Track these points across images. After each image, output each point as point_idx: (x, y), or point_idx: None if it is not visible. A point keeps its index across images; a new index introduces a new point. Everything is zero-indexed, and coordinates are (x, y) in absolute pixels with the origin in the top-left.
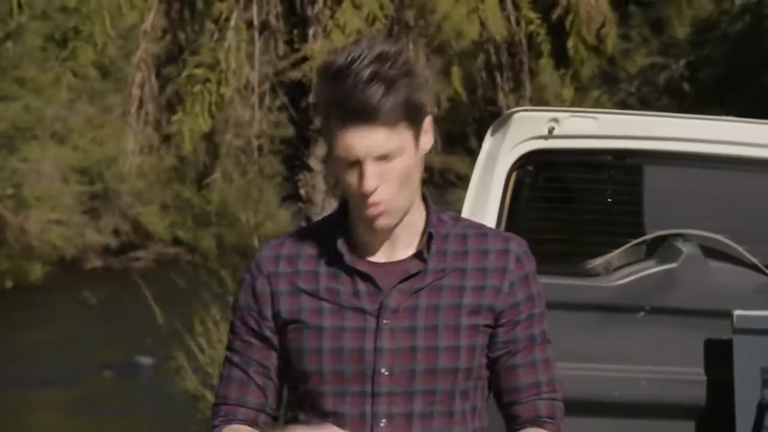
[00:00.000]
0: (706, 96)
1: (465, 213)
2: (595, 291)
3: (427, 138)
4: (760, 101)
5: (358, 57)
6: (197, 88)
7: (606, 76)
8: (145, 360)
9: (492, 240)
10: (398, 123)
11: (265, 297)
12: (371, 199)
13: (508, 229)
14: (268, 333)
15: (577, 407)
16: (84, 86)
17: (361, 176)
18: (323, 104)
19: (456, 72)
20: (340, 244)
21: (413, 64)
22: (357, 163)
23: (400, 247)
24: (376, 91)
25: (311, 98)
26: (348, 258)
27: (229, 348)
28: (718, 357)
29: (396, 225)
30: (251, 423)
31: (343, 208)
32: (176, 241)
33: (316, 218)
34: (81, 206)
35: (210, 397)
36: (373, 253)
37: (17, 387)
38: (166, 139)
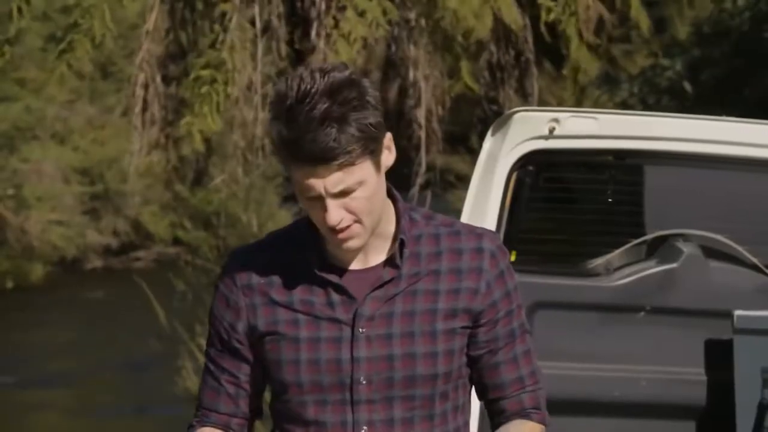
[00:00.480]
0: (707, 96)
1: (465, 213)
2: (595, 291)
3: (388, 154)
4: (761, 102)
5: (309, 93)
6: (204, 89)
7: (606, 76)
8: (147, 360)
9: (465, 238)
10: (355, 159)
11: (239, 310)
12: (338, 229)
13: (508, 229)
14: (236, 345)
15: (577, 407)
16: (84, 87)
17: (323, 209)
18: (277, 142)
19: (466, 66)
20: (311, 256)
21: (365, 88)
22: (318, 198)
23: (372, 253)
24: (329, 133)
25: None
26: (319, 269)
27: (206, 354)
28: (718, 357)
29: None
30: (223, 426)
31: None
32: (176, 242)
33: None
34: (82, 207)
35: None
36: (344, 262)
37: (18, 387)
38: (168, 138)
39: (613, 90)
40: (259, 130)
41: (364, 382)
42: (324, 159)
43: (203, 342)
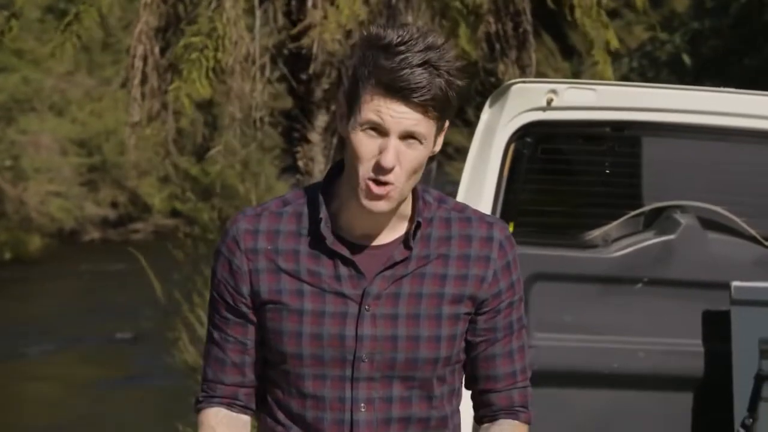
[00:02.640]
0: (706, 69)
1: (463, 185)
2: (593, 263)
3: (440, 140)
4: (761, 73)
5: (410, 40)
6: (194, 55)
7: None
8: (144, 332)
9: (476, 225)
10: (431, 112)
11: (243, 274)
12: (383, 178)
13: (506, 201)
14: (244, 309)
15: (576, 378)
16: (83, 58)
17: (381, 150)
18: (362, 70)
19: (464, 32)
20: (323, 226)
21: (458, 64)
22: (380, 136)
23: (385, 231)
24: (423, 76)
25: (312, 69)
26: (330, 241)
27: (210, 321)
28: (716, 328)
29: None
30: (230, 398)
31: (328, 182)
32: (174, 213)
33: None
34: (79, 178)
35: None
36: (355, 235)
37: (15, 359)
38: (165, 108)
39: (613, 64)
40: (257, 101)
41: (366, 360)
42: (412, 95)
43: (201, 313)
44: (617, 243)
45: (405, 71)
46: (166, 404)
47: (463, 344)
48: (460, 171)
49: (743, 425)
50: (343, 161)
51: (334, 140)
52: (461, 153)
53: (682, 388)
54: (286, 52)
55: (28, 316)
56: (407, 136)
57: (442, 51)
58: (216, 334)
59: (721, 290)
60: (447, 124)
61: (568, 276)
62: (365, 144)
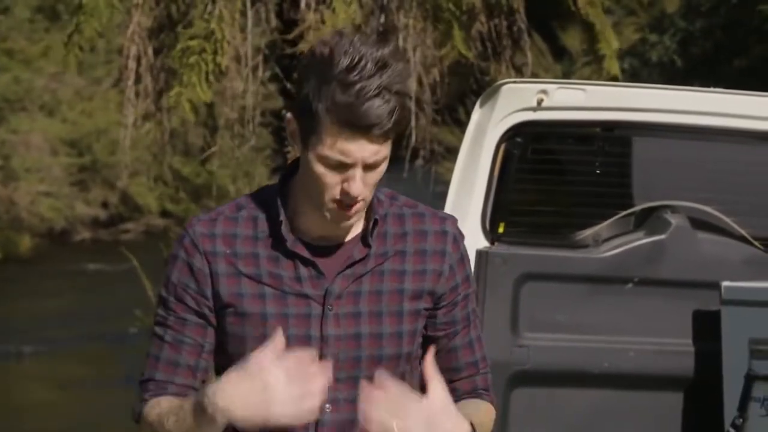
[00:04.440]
0: (696, 70)
1: (453, 185)
2: (583, 262)
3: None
4: (750, 73)
5: (360, 61)
6: (193, 59)
7: (595, 52)
8: (134, 332)
9: (429, 220)
10: (391, 137)
11: (204, 276)
12: (352, 203)
13: (497, 201)
14: (206, 311)
15: (566, 378)
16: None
17: (346, 180)
18: (317, 104)
19: (458, 34)
20: (283, 229)
21: (407, 69)
22: (343, 167)
23: (342, 230)
24: (382, 107)
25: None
26: (290, 243)
27: (160, 324)
28: (706, 328)
29: None
30: (180, 396)
31: (284, 184)
32: (164, 213)
33: None
34: (70, 178)
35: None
36: (313, 236)
37: (5, 359)
38: (159, 109)
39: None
40: (250, 102)
41: (331, 359)
42: (376, 127)
43: None
44: (608, 243)
45: (364, 106)
46: None
47: (420, 339)
48: (450, 171)
49: (733, 425)
50: (296, 162)
51: None
52: (452, 153)
53: (673, 388)
54: (278, 52)
55: (18, 316)
56: (369, 165)
57: (394, 65)
58: (169, 336)
59: (711, 290)
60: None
61: (559, 276)
62: (328, 176)
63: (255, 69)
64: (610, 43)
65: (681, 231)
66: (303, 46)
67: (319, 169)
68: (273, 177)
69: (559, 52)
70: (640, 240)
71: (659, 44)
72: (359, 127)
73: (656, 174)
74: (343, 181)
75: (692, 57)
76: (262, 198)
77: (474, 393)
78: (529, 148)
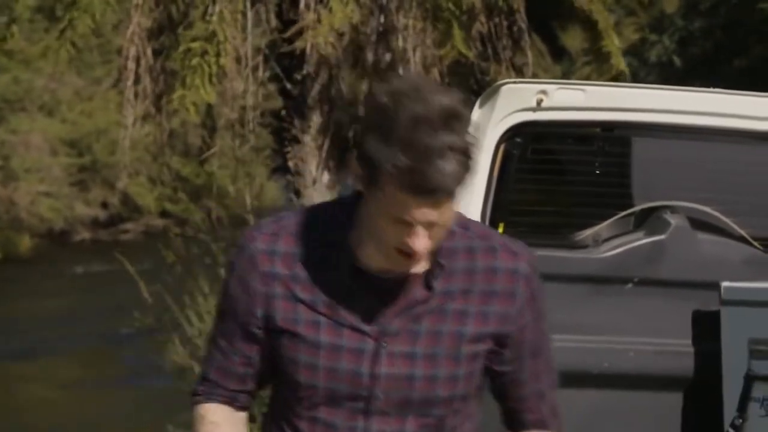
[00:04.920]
0: (696, 70)
1: None
2: (583, 263)
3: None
4: (750, 73)
5: (425, 116)
6: (195, 61)
7: (595, 52)
8: (133, 332)
9: (501, 256)
10: (458, 193)
11: (258, 296)
12: (414, 256)
13: (496, 201)
14: (254, 329)
15: (566, 378)
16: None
17: (409, 235)
18: (381, 163)
19: (458, 33)
20: (343, 257)
21: (468, 113)
22: (406, 224)
23: None
24: (448, 170)
25: (305, 70)
26: (352, 273)
27: (217, 328)
28: (705, 328)
29: None
30: (231, 399)
31: (351, 205)
32: (164, 214)
33: (306, 191)
34: (69, 178)
35: (198, 369)
36: (376, 268)
37: (4, 358)
38: (159, 109)
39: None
40: (250, 101)
41: (381, 397)
42: (442, 191)
43: (191, 314)
44: (607, 243)
45: (428, 171)
46: (155, 404)
47: (480, 368)
48: None
49: (733, 425)
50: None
51: (327, 142)
52: None
53: (672, 388)
54: (278, 52)
55: (18, 316)
56: (434, 223)
57: (460, 118)
58: (222, 343)
59: (711, 290)
60: None
61: (559, 276)
62: (390, 230)
63: (255, 69)
64: (614, 40)
65: (681, 231)
66: (300, 44)
67: (381, 222)
68: (273, 177)
69: (559, 53)
70: (640, 240)
71: (658, 44)
72: (422, 193)
73: (656, 174)
74: (406, 235)
75: (692, 57)
76: (329, 217)
77: (540, 424)
78: (529, 149)
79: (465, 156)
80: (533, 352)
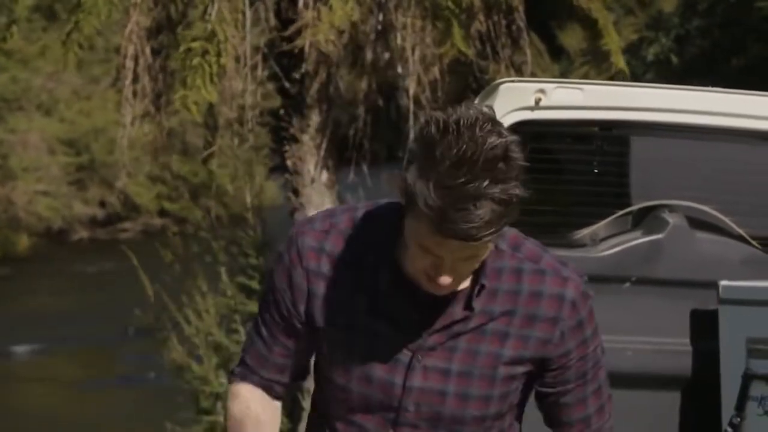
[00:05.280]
0: (694, 69)
1: None
2: (581, 262)
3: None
4: (748, 72)
5: (467, 160)
6: (196, 60)
7: (594, 51)
8: (132, 331)
9: (549, 280)
10: (494, 236)
11: (301, 291)
12: (439, 287)
13: None
14: (296, 322)
15: None
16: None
17: (435, 267)
18: (416, 189)
19: (458, 32)
20: (385, 262)
21: (517, 157)
22: (435, 255)
23: None
24: (480, 213)
25: (304, 68)
26: (395, 283)
27: (260, 314)
28: (704, 327)
29: None
30: (266, 387)
31: (401, 211)
32: (162, 213)
33: (304, 190)
34: (68, 177)
35: (195, 368)
36: (419, 284)
37: (2, 358)
38: (157, 108)
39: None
40: (249, 100)
41: (411, 409)
42: (470, 238)
43: (189, 313)
44: (605, 242)
45: (459, 219)
46: (154, 403)
47: (520, 388)
48: None
49: (731, 424)
50: None
51: (325, 141)
52: None
53: (670, 387)
54: (277, 51)
55: (16, 315)
56: (463, 259)
57: (505, 163)
58: (264, 331)
59: (709, 289)
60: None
61: None
62: (419, 256)
63: (254, 68)
64: (614, 38)
65: (679, 230)
66: (300, 43)
67: (412, 246)
68: (271, 176)
69: (557, 52)
70: (638, 239)
71: (656, 42)
72: (449, 237)
73: (654, 173)
74: (433, 266)
75: (690, 56)
76: (380, 221)
77: None
78: (527, 148)
79: (503, 205)
80: (579, 376)
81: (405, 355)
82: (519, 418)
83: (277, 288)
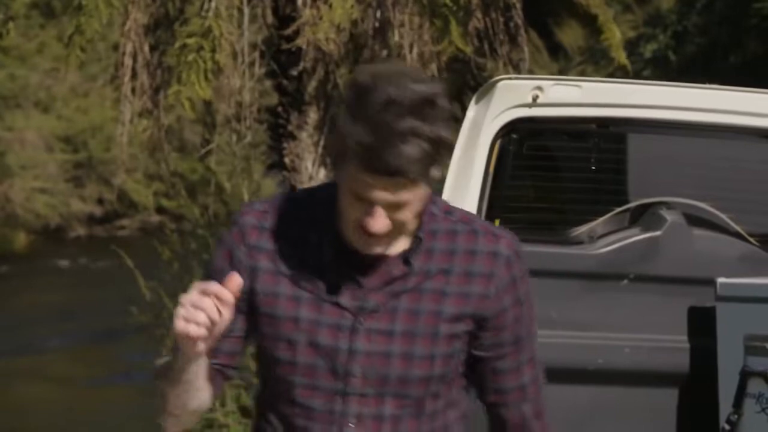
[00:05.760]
0: (692, 66)
1: (448, 182)
2: (578, 259)
3: (437, 171)
4: (746, 70)
5: (396, 102)
6: (191, 56)
7: (591, 49)
8: (129, 329)
9: (482, 239)
10: (421, 179)
11: (243, 269)
12: (373, 236)
13: (492, 197)
14: (238, 302)
15: (561, 375)
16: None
17: (368, 214)
18: (346, 139)
19: (455, 28)
20: (327, 235)
21: (445, 103)
22: (367, 202)
23: None
24: (408, 152)
25: (302, 66)
26: (333, 250)
27: None
28: (701, 324)
29: None
30: (222, 365)
31: (335, 191)
32: (160, 210)
33: (302, 187)
34: (65, 175)
35: None
36: (355, 243)
37: (0, 356)
38: (156, 105)
39: (598, 62)
40: (247, 97)
41: (358, 375)
42: (398, 173)
43: None
44: (603, 239)
45: (387, 153)
46: (151, 401)
47: (463, 357)
48: (445, 167)
49: (728, 421)
50: None
51: (323, 138)
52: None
53: (668, 384)
54: (274, 48)
55: (13, 313)
56: (395, 205)
57: (432, 107)
58: None
59: (707, 286)
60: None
61: (554, 272)
62: (351, 205)
63: (251, 65)
64: (616, 33)
65: (676, 227)
66: (301, 41)
67: (345, 198)
68: (269, 173)
69: (555, 49)
70: (636, 236)
71: (654, 40)
72: (378, 173)
73: (652, 170)
74: (366, 214)
75: (687, 53)
76: (318, 198)
77: (524, 426)
78: (525, 145)
79: (430, 144)
80: (514, 340)
81: (348, 320)
82: (468, 390)
83: (218, 270)
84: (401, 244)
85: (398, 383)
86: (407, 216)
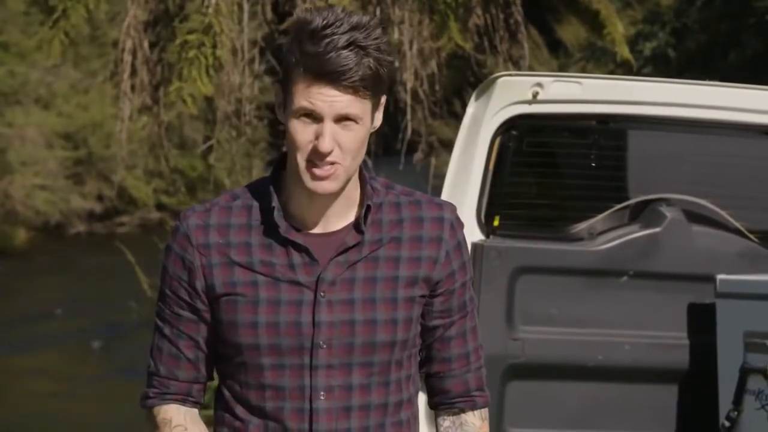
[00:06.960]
0: (691, 63)
1: (449, 178)
2: (578, 255)
3: (379, 116)
4: (746, 67)
5: (335, 22)
6: (192, 53)
7: (591, 46)
8: (129, 325)
9: (426, 207)
10: (362, 92)
11: (196, 269)
12: (322, 162)
13: (492, 194)
14: (199, 305)
15: (561, 371)
16: (68, 51)
17: (318, 135)
18: (290, 57)
19: (454, 24)
20: (276, 215)
21: (386, 40)
22: (314, 122)
23: (335, 218)
24: (350, 57)
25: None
26: (283, 229)
27: (159, 317)
28: (701, 321)
29: (334, 195)
30: (184, 395)
31: (276, 175)
32: (160, 206)
33: None
34: (65, 171)
35: None
36: (307, 224)
37: (1, 352)
38: (156, 102)
39: (598, 59)
40: (247, 94)
41: (324, 346)
42: (340, 78)
43: None
44: (603, 236)
45: (331, 55)
46: None
47: (419, 328)
48: (446, 164)
49: (728, 417)
50: (286, 153)
51: None
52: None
53: (667, 381)
54: (274, 45)
55: (13, 309)
56: (342, 118)
57: (368, 29)
58: (167, 330)
59: (706, 283)
60: (383, 99)
61: (554, 269)
62: (301, 131)
63: (251, 62)
64: (618, 28)
65: (676, 224)
66: None
67: (293, 124)
68: (268, 170)
69: (555, 46)
70: (636, 233)
71: (654, 37)
72: (325, 74)
73: (651, 167)
74: (316, 137)
75: (687, 50)
76: (257, 188)
77: (467, 396)
78: (525, 141)
79: (371, 58)
80: (461, 308)
81: (308, 294)
82: (417, 374)
83: (172, 278)
84: (347, 216)
85: (363, 350)
86: (352, 140)
